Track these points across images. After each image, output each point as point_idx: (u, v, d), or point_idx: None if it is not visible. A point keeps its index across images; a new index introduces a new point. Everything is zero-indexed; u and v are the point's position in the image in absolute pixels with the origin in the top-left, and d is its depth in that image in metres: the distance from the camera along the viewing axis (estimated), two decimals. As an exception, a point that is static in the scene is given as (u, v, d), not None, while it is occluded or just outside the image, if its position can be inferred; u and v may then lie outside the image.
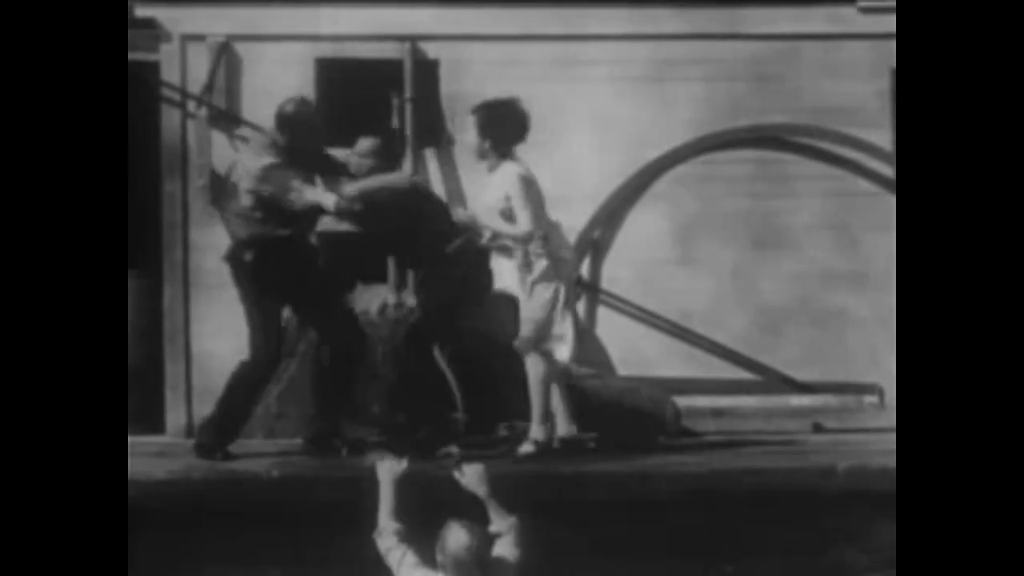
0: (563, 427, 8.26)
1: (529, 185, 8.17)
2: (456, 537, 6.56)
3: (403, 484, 6.94)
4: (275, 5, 9.86)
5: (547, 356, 8.12)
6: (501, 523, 6.79)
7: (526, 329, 8.12)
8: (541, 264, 8.14)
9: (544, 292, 8.12)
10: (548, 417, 8.11)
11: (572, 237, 9.40)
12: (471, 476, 6.91)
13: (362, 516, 6.96)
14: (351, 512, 7.04)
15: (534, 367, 8.09)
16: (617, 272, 8.96)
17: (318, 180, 8.53)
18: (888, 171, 9.83)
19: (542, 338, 8.11)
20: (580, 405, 8.49)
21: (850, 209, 9.97)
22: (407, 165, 9.75)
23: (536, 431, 8.10)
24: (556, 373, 8.19)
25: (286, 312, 8.59)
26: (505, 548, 6.76)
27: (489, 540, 6.72)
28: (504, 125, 8.26)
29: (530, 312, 8.12)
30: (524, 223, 8.10)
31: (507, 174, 8.19)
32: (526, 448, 8.09)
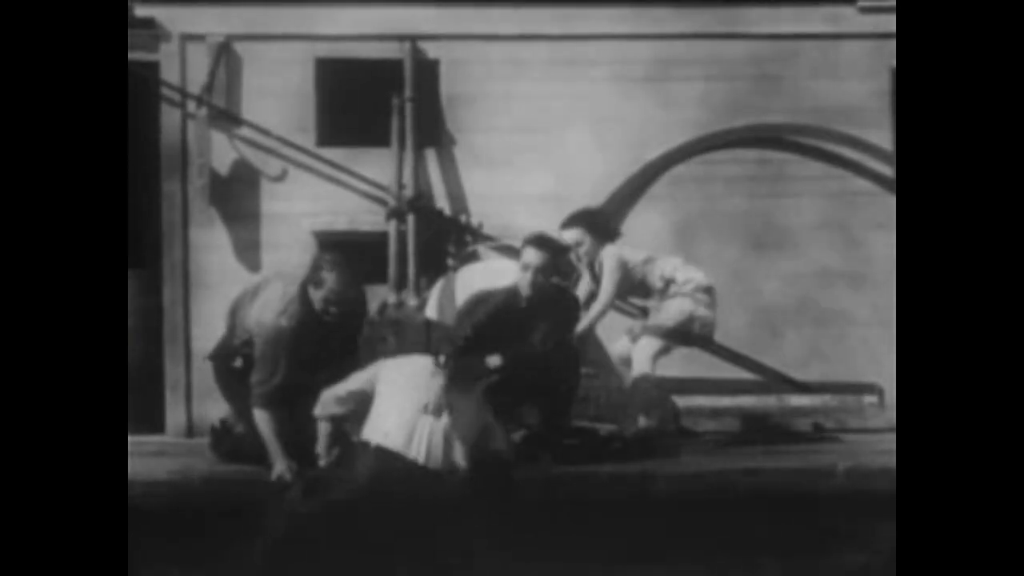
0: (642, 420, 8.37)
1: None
2: None
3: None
4: (275, 5, 9.87)
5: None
6: None
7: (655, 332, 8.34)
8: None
9: (680, 304, 8.36)
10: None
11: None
12: None
13: (360, 517, 6.98)
14: (351, 512, 7.04)
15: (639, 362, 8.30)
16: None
17: None
18: (888, 171, 9.83)
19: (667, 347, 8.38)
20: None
21: (850, 209, 9.97)
22: (407, 166, 9.76)
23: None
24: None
25: None
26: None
27: None
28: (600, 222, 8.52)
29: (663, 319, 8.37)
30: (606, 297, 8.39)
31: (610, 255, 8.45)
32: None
